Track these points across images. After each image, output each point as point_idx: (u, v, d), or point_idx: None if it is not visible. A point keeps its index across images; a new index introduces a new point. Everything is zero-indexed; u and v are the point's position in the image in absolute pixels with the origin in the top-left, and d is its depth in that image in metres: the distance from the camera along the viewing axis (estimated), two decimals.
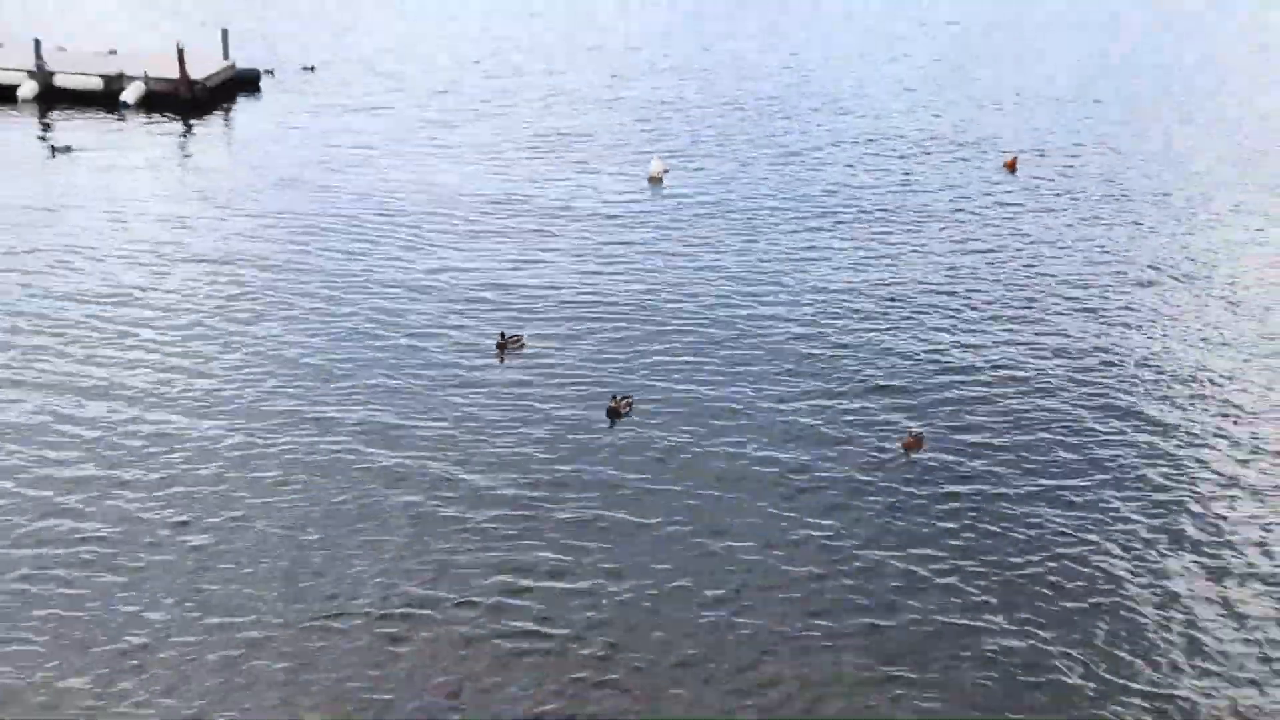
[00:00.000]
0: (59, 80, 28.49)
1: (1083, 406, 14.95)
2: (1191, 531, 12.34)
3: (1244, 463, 13.82)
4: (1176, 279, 19.38)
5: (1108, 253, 20.68)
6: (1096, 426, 14.46)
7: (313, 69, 34.03)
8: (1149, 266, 19.97)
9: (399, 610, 10.44)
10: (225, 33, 32.60)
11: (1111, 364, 15.97)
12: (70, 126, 26.03)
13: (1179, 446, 14.09)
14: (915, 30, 48.11)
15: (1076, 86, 37.62)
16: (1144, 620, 10.91)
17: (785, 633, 10.52)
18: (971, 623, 10.66)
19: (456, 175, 23.45)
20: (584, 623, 10.50)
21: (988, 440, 13.96)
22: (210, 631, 9.99)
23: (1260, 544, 12.13)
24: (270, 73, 32.93)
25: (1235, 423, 14.80)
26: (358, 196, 21.50)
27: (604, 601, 10.80)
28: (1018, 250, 20.65)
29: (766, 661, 10.17)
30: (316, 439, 13.17)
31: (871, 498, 12.65)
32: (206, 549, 10.87)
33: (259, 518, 11.54)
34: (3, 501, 11.56)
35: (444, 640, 10.10)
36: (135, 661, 9.78)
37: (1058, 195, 24.53)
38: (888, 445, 13.53)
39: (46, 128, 26.00)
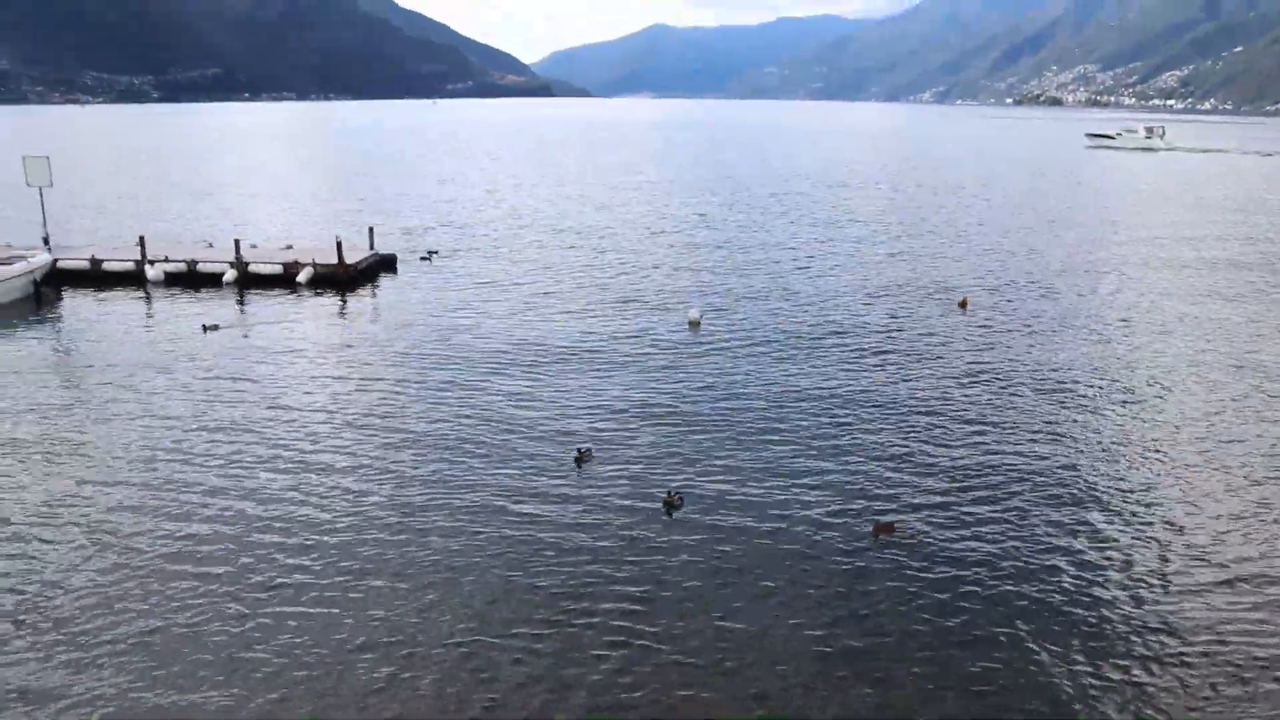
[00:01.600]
0: (252, 268, 38.46)
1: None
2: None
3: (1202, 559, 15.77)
4: (1122, 399, 24.42)
5: (1057, 377, 26.62)
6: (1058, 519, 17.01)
7: (431, 256, 43.82)
8: (1093, 386, 26.13)
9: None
10: (371, 230, 43.13)
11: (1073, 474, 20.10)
12: (260, 301, 35.81)
13: (1136, 551, 16.11)
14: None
15: (1011, 229, 45.21)
16: None
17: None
18: None
19: (541, 328, 30.83)
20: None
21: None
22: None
23: None
24: (430, 256, 43.10)
25: (1186, 530, 16.86)
26: (469, 348, 28.33)
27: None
28: (981, 375, 27.58)
29: None
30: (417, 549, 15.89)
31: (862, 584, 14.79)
32: None
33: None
34: None
35: None
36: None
37: (1009, 330, 31.67)
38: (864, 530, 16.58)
39: (240, 305, 35.72)
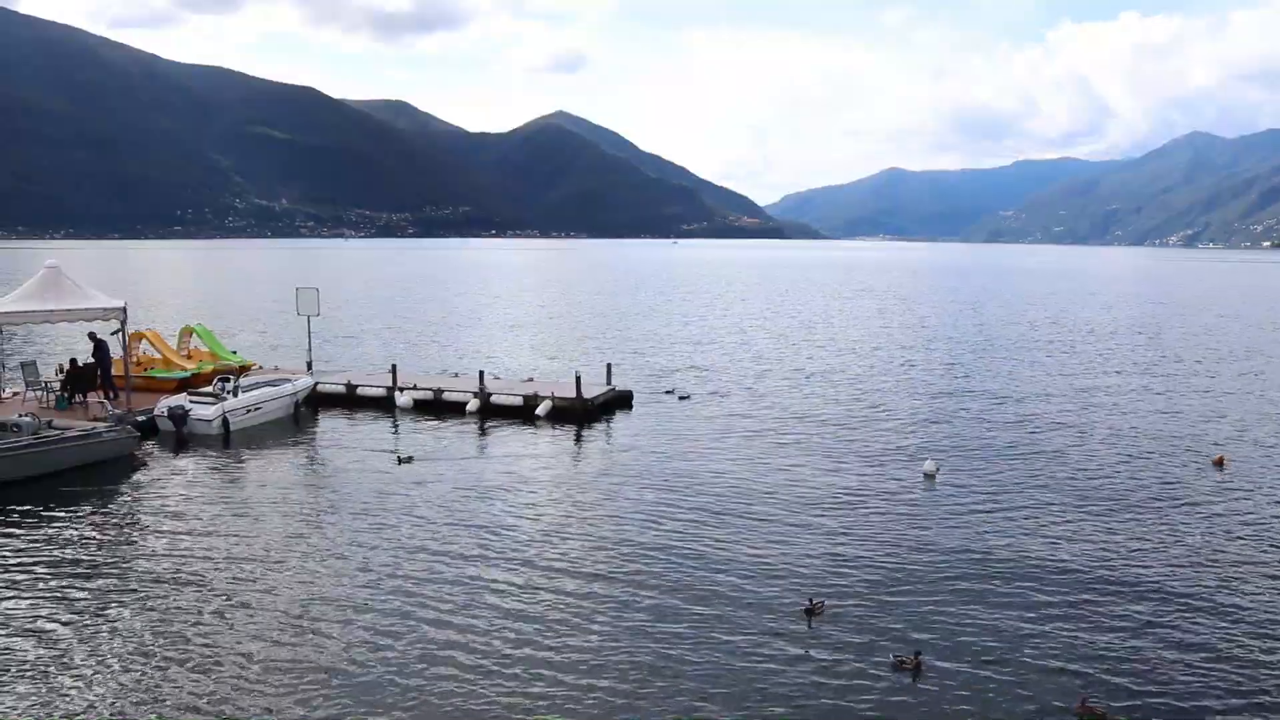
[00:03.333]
0: (494, 399, 39.92)
1: None
2: None
3: None
4: None
5: None
6: None
7: (676, 394, 44.29)
8: None
9: None
10: (609, 365, 43.92)
11: None
12: (499, 431, 36.89)
13: None
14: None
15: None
16: None
17: None
18: None
19: (775, 475, 29.94)
20: None
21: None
22: None
23: None
24: (686, 397, 43.65)
25: None
26: (699, 490, 27.90)
27: None
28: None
29: None
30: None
31: None
32: None
33: None
34: None
35: None
36: None
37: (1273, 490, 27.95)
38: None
39: (483, 432, 36.85)
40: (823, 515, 25.64)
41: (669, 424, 37.74)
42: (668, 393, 44.63)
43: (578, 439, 35.50)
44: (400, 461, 31.02)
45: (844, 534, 24.11)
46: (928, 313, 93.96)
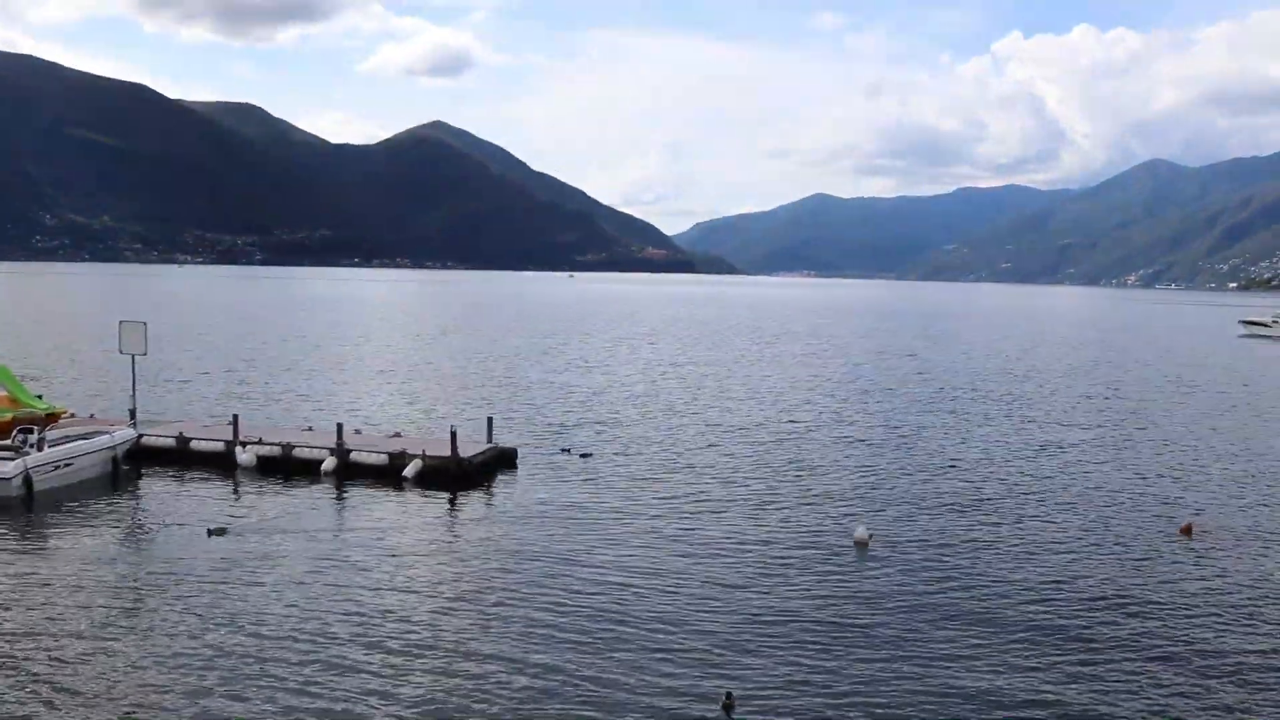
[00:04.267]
0: (354, 457, 39.31)
1: None
2: None
3: None
4: None
5: None
6: None
7: (587, 456, 43.96)
8: None
9: None
10: (490, 420, 43.86)
11: None
12: (359, 494, 36.42)
13: None
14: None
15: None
16: None
17: None
18: None
19: (679, 545, 30.10)
20: None
21: None
22: None
23: None
24: (587, 455, 43.72)
25: None
26: (591, 563, 28.04)
27: None
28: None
29: None
30: None
31: None
32: None
33: None
34: None
35: None
36: None
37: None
38: None
39: (340, 496, 36.27)
40: (741, 593, 25.97)
41: (563, 488, 37.83)
42: (564, 451, 44.73)
43: (452, 505, 35.32)
44: (210, 534, 30.21)
45: (764, 616, 24.41)
46: (860, 359, 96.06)
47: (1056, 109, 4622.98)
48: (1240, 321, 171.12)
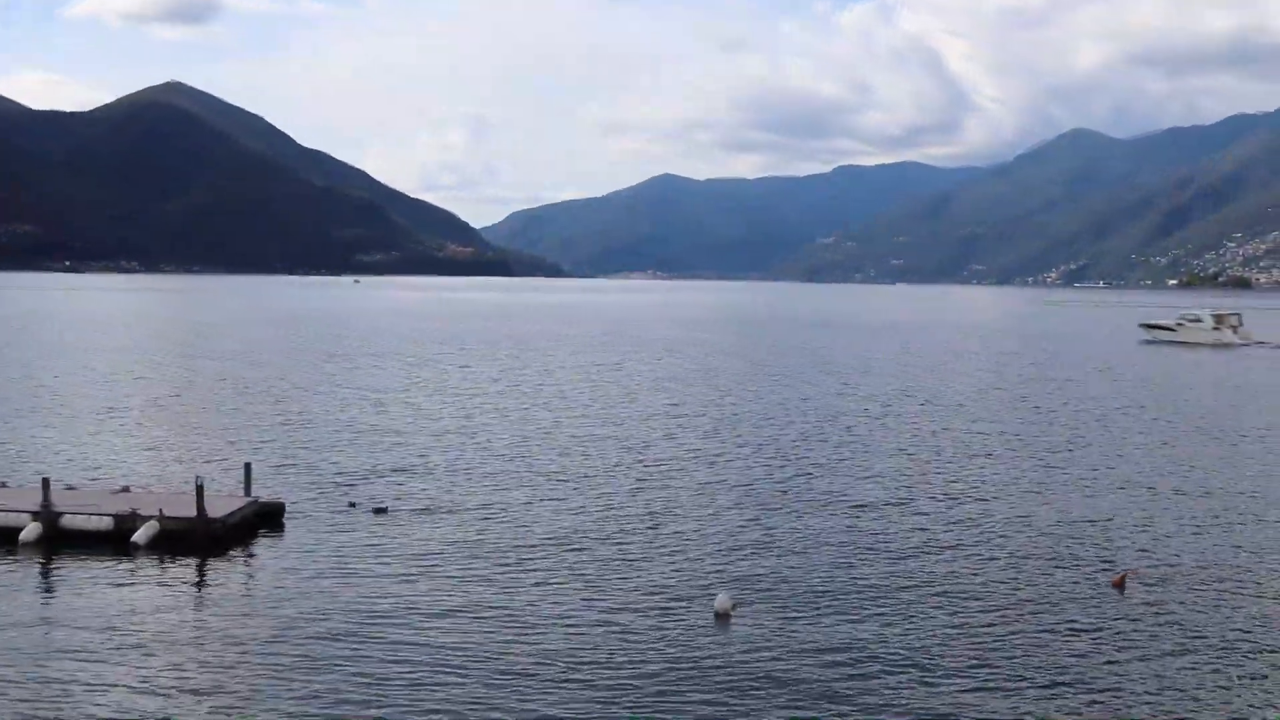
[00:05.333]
0: (66, 521, 37.85)
1: None
2: None
3: None
4: None
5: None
6: None
7: (383, 510, 43.50)
8: None
9: None
10: (249, 466, 42.85)
11: None
12: (73, 569, 35.07)
13: None
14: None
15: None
16: None
17: None
18: None
19: (487, 621, 30.12)
20: None
21: None
22: None
23: None
24: (383, 510, 43.18)
25: None
26: (374, 652, 27.71)
27: None
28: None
29: None
30: None
31: None
32: None
33: None
34: None
35: None
36: None
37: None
38: None
39: (46, 572, 34.78)
40: (568, 683, 25.96)
41: (345, 552, 37.33)
42: (351, 505, 44.17)
43: (199, 577, 34.50)
44: None
45: (595, 706, 24.58)
46: (727, 384, 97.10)
47: (959, 68, 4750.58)
48: (1140, 325, 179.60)
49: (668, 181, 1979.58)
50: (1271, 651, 28.72)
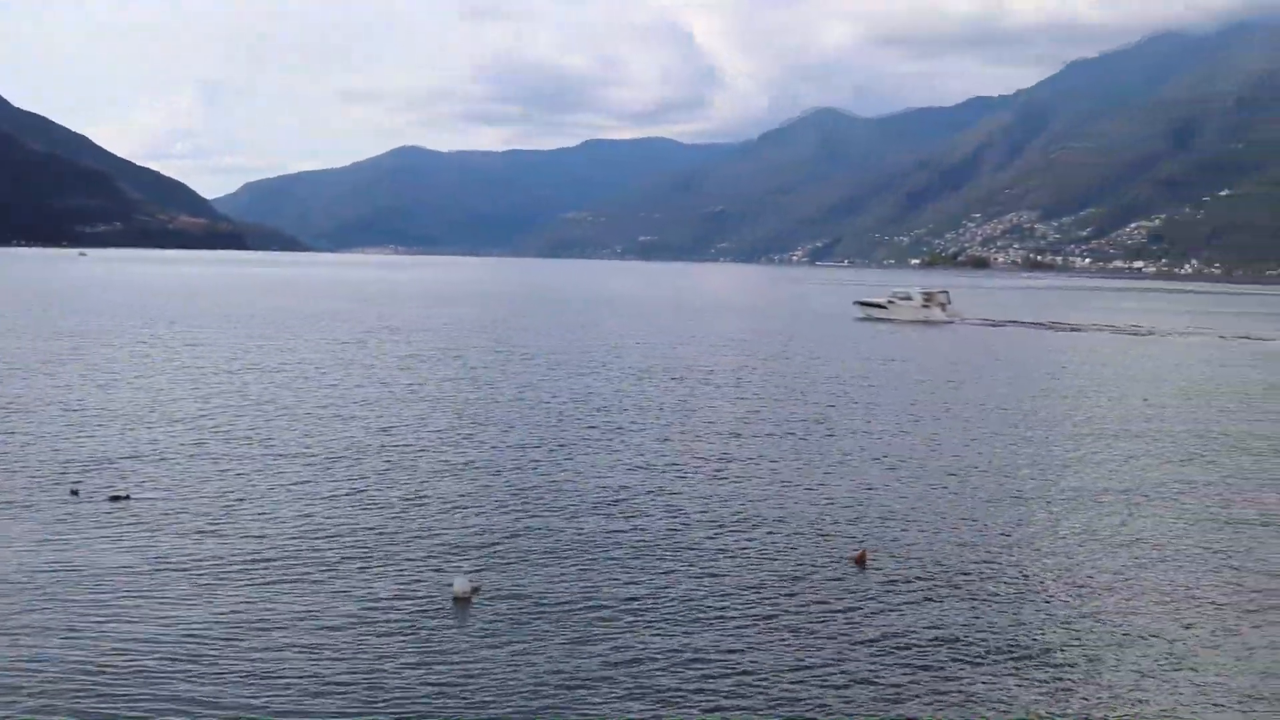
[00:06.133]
0: None
1: None
2: None
3: None
4: None
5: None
6: None
7: (123, 498, 42.21)
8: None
9: None
10: None
11: None
12: None
13: None
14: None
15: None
16: None
17: None
18: None
19: (199, 609, 30.17)
20: None
21: None
22: None
23: None
24: (123, 498, 41.83)
25: None
26: (97, 659, 26.85)
27: None
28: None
29: None
30: None
31: None
32: None
33: None
34: None
35: None
36: None
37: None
38: None
39: None
40: (304, 676, 26.01)
41: (61, 546, 36.12)
42: (73, 493, 42.90)
43: None
44: None
45: (330, 692, 24.87)
46: (477, 363, 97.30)
47: (707, 44, 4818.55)
48: (855, 303, 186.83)
49: (411, 153, 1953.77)
50: (992, 632, 30.79)
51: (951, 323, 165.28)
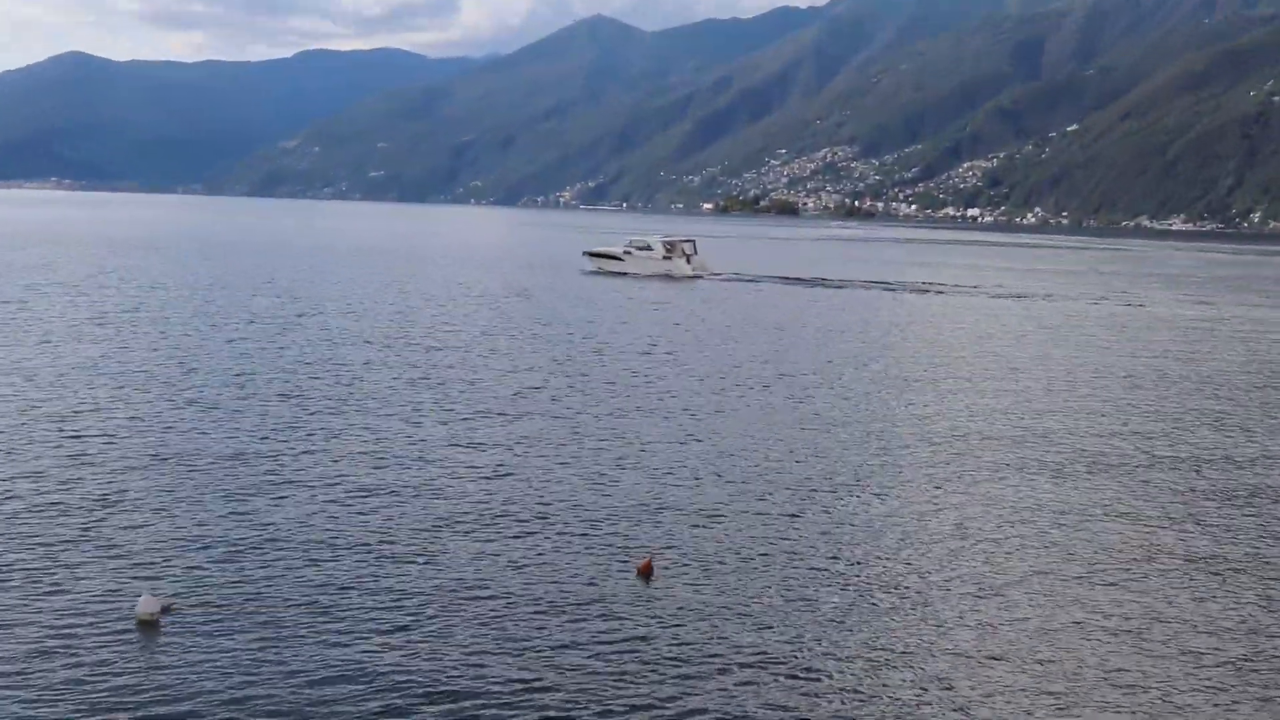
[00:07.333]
0: None
1: None
2: None
3: None
4: None
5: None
6: None
7: None
8: None
9: None
10: None
11: None
12: None
13: None
14: None
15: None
16: None
17: None
18: None
19: None
20: None
21: None
22: None
23: None
24: None
25: None
26: None
27: None
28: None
29: None
30: None
31: None
32: None
33: None
34: None
35: None
36: None
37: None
38: None
39: None
40: None
41: None
42: None
43: None
44: None
45: None
46: (169, 327, 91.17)
47: None
48: (585, 254, 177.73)
49: (78, 61, 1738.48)
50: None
51: (699, 277, 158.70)
